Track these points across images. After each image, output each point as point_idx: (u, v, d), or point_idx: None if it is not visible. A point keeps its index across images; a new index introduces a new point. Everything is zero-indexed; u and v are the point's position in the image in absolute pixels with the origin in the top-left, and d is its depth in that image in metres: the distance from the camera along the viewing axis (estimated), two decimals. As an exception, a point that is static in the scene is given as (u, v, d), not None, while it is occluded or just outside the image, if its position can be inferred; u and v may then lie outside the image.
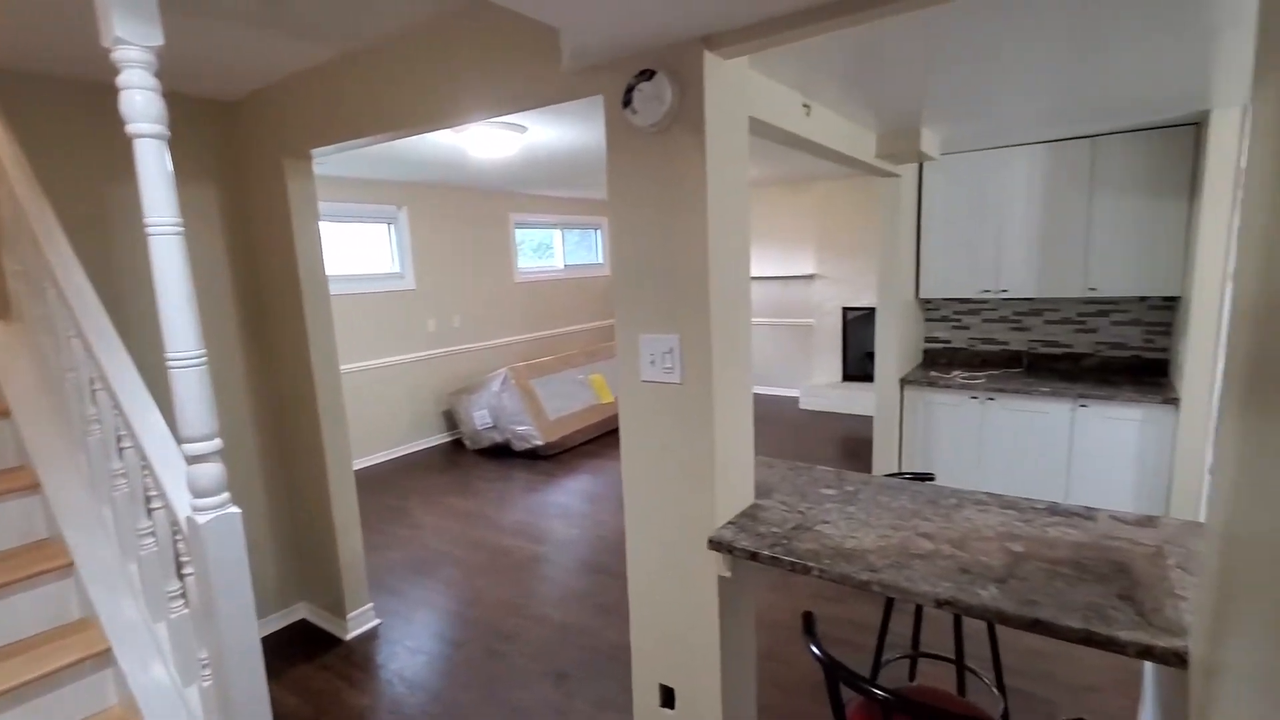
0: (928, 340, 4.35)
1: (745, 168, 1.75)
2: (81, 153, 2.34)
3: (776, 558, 1.57)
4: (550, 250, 7.41)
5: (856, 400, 6.47)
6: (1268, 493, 0.83)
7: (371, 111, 2.22)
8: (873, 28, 1.82)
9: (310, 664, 2.71)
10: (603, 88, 1.68)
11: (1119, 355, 3.74)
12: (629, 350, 1.77)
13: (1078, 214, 3.50)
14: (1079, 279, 3.54)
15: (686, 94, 1.54)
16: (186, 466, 1.50)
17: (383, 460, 5.55)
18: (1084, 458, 3.36)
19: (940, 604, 1.36)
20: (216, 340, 2.71)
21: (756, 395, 7.48)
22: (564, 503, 4.43)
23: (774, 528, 1.72)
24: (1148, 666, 1.87)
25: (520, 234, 6.92)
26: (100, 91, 2.36)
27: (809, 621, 1.43)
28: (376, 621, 3.00)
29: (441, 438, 6.06)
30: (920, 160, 3.35)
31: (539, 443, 5.30)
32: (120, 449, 1.79)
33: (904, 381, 3.81)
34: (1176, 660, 1.15)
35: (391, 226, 5.60)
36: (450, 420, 6.12)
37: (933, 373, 3.91)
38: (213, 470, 1.50)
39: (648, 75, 1.54)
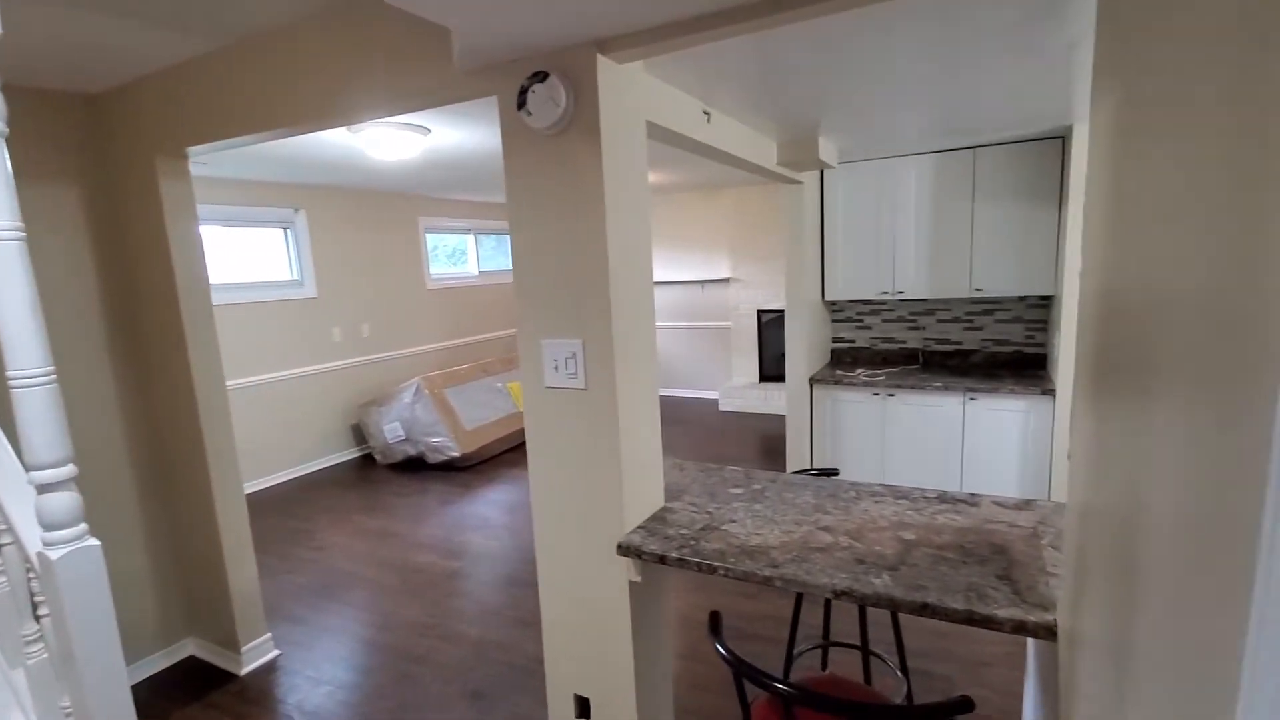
0: (834, 340, 4.54)
1: (644, 172, 1.76)
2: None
3: (684, 559, 1.58)
4: (464, 256, 7.23)
5: (773, 400, 6.66)
6: (1107, 471, 0.90)
7: (253, 109, 2.09)
8: (766, 38, 1.88)
9: (198, 704, 2.50)
10: (497, 89, 1.65)
11: (1003, 351, 4.03)
12: (532, 356, 1.74)
13: (962, 220, 3.76)
14: (965, 280, 3.80)
15: (581, 97, 1.53)
16: (35, 496, 1.35)
17: (286, 479, 5.22)
18: (975, 447, 3.60)
19: (838, 595, 1.41)
20: (81, 356, 2.47)
21: (677, 399, 7.57)
22: (482, 514, 4.32)
23: (682, 530, 1.73)
24: (1029, 641, 2.02)
25: (433, 239, 6.71)
26: (-70, 80, 2.10)
27: (715, 621, 1.44)
28: (275, 653, 2.81)
29: (351, 453, 5.78)
30: (820, 168, 3.49)
31: (455, 454, 5.14)
32: (-45, 481, 1.58)
33: (813, 380, 3.95)
34: (1047, 633, 1.24)
35: (288, 231, 5.29)
36: (360, 434, 5.84)
37: (839, 371, 4.08)
38: (66, 500, 1.36)
39: (541, 77, 1.52)
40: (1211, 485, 0.51)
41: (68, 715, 1.42)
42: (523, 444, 5.94)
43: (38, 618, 1.47)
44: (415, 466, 5.42)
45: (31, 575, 1.44)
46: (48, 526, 1.33)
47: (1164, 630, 0.62)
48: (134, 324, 2.61)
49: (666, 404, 7.34)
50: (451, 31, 1.63)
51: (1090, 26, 1.96)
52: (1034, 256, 3.63)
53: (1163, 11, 0.67)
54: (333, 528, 4.20)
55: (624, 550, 1.66)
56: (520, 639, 2.84)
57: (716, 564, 1.54)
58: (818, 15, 1.33)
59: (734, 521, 1.77)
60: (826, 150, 3.26)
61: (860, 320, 4.40)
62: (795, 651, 2.43)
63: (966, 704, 1.14)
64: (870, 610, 2.78)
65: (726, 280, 7.09)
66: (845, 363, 4.43)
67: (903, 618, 2.79)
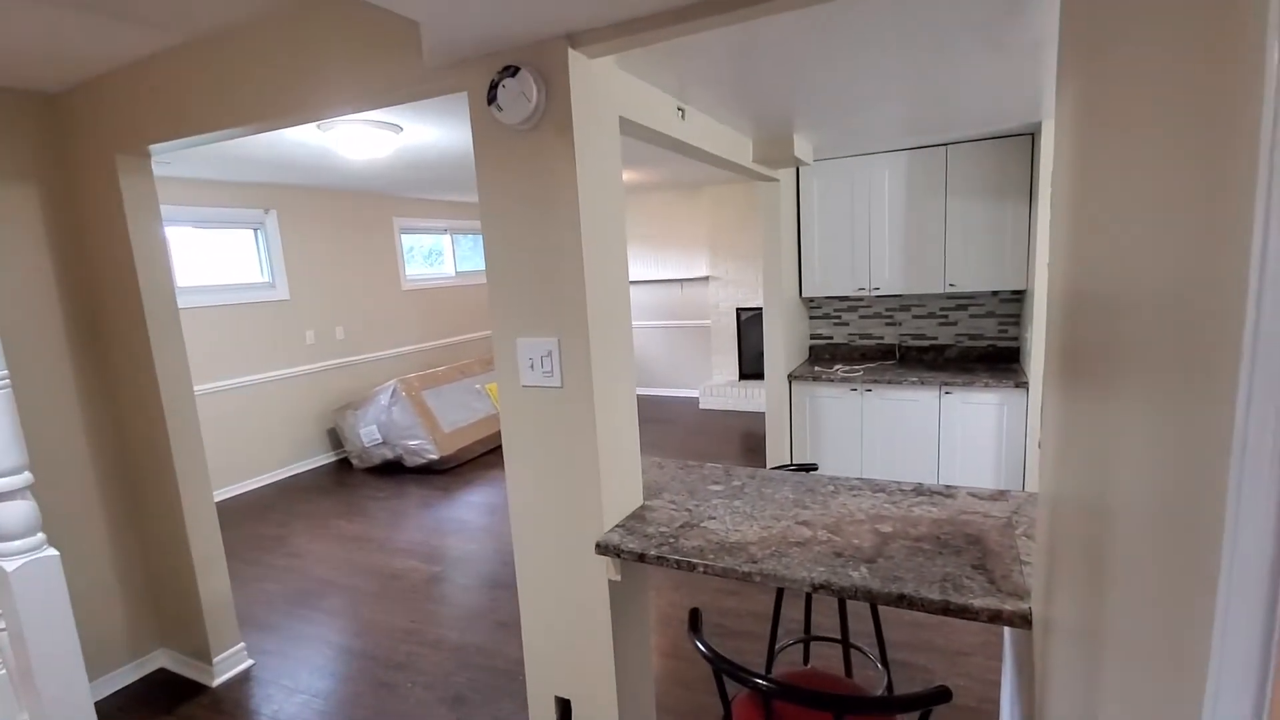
0: (813, 337, 4.57)
1: (618, 167, 1.74)
2: None
3: (663, 557, 1.57)
4: (441, 256, 7.15)
5: (753, 398, 6.69)
6: (1074, 460, 0.91)
7: (217, 105, 2.04)
8: (739, 34, 1.87)
9: (170, 717, 2.44)
10: (467, 84, 1.62)
11: (977, 345, 4.09)
12: (507, 355, 1.71)
13: (935, 216, 3.80)
14: (939, 276, 3.84)
15: (553, 92, 1.52)
16: (-14, 508, 1.30)
17: (260, 485, 5.12)
18: (951, 440, 3.64)
19: (817, 588, 1.41)
20: (41, 362, 2.39)
21: (657, 398, 7.57)
22: (461, 517, 4.27)
23: (662, 527, 1.72)
24: (1006, 630, 2.04)
25: (409, 240, 6.63)
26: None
27: (695, 618, 1.43)
28: (249, 663, 2.75)
29: (327, 457, 5.68)
30: (795, 165, 3.51)
31: (434, 456, 5.09)
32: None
33: (791, 377, 3.97)
34: (1022, 622, 1.25)
35: (259, 232, 5.19)
36: (335, 438, 5.75)
37: (817, 368, 4.11)
38: (22, 509, 1.31)
39: (512, 72, 1.50)
40: (1175, 473, 0.52)
41: (27, 733, 1.37)
42: (502, 445, 5.88)
43: (-7, 632, 1.41)
44: (393, 470, 5.35)
45: (-15, 589, 1.38)
46: (2, 537, 1.29)
47: (1132, 616, 0.62)
48: (97, 329, 2.54)
49: (647, 403, 7.34)
50: (420, 25, 1.60)
51: (1055, 25, 1.99)
52: (1006, 252, 3.69)
53: (1123, 6, 0.67)
54: (308, 534, 4.13)
55: (603, 549, 1.65)
56: (502, 642, 2.81)
57: (696, 561, 1.53)
58: (786, 9, 1.33)
59: (714, 518, 1.77)
60: (801, 147, 3.27)
61: (838, 317, 4.44)
62: (777, 647, 2.44)
63: (944, 694, 1.14)
64: (850, 604, 2.80)
65: (705, 279, 7.10)
66: (824, 359, 4.46)
67: (882, 610, 2.82)
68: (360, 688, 2.56)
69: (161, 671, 2.73)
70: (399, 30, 1.70)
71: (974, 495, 1.84)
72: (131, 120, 2.22)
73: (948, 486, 1.91)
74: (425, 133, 3.42)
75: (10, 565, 1.28)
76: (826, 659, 2.58)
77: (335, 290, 5.75)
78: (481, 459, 5.56)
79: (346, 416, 5.36)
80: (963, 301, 4.09)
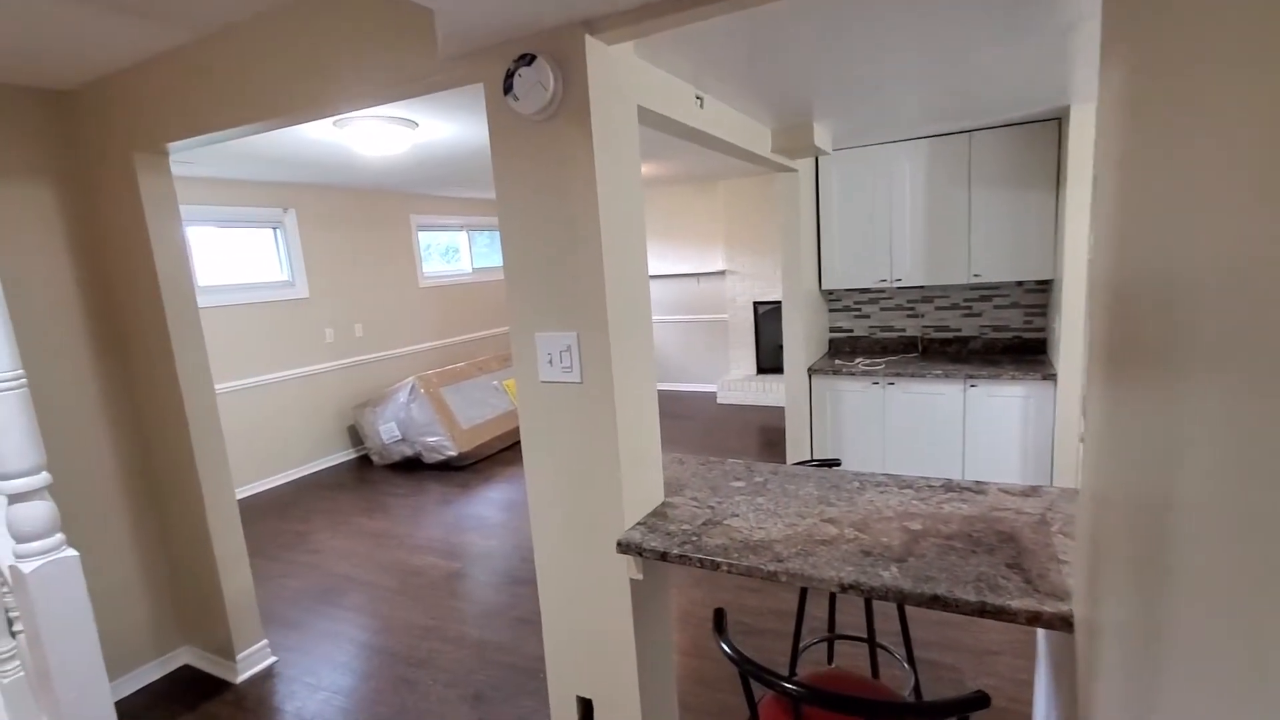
0: (832, 330, 4.50)
1: (636, 157, 1.70)
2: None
3: (685, 556, 1.53)
4: (457, 254, 7.16)
5: (771, 392, 6.62)
6: (1127, 456, 0.86)
7: (232, 101, 2.03)
8: (758, 19, 1.82)
9: (193, 714, 2.46)
10: (483, 75, 1.59)
11: (1002, 336, 3.99)
12: (525, 350, 1.68)
13: (959, 205, 3.71)
14: (963, 267, 3.75)
15: (570, 80, 1.48)
16: (6, 506, 1.29)
17: (283, 482, 5.16)
18: (976, 434, 3.56)
19: (845, 588, 1.37)
20: (63, 362, 2.40)
21: (675, 393, 7.53)
22: (480, 514, 4.27)
23: (684, 525, 1.69)
24: (1040, 630, 1.98)
25: (425, 237, 6.64)
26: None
27: (719, 619, 1.40)
28: (272, 660, 2.76)
29: (347, 454, 5.72)
30: (815, 154, 3.44)
31: (452, 453, 5.09)
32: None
33: (811, 371, 3.91)
34: (1063, 624, 1.19)
35: (278, 231, 5.22)
36: (356, 435, 5.79)
37: (837, 361, 4.04)
38: (40, 510, 1.30)
39: (528, 60, 1.46)
40: (1260, 468, 0.47)
41: (50, 733, 1.37)
42: (520, 442, 5.88)
43: (13, 634, 1.41)
44: (412, 467, 5.37)
45: (5, 589, 1.38)
46: (20, 538, 1.28)
47: (1202, 621, 0.57)
48: (118, 328, 2.55)
49: (664, 398, 7.30)
50: (435, 13, 1.57)
51: (1086, 10, 1.91)
52: (1032, 241, 3.59)
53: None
54: (330, 530, 4.15)
55: (624, 548, 1.62)
56: (522, 639, 2.79)
57: (720, 560, 1.49)
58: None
59: (736, 516, 1.73)
60: (821, 136, 3.20)
61: (858, 309, 4.36)
62: (801, 645, 2.40)
63: (982, 699, 1.10)
64: (877, 602, 2.74)
65: (722, 273, 7.04)
66: (844, 352, 4.39)
67: (909, 608, 2.76)
68: (381, 685, 2.56)
69: (186, 668, 2.75)
70: (414, 20, 1.67)
71: (1005, 491, 1.78)
72: (148, 118, 2.22)
73: (977, 482, 1.85)
74: (441, 128, 3.40)
75: (28, 566, 1.27)
76: (851, 658, 2.53)
77: (354, 288, 5.78)
78: (500, 455, 5.56)
79: (366, 414, 5.38)
80: (987, 292, 3.99)
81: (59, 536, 1.33)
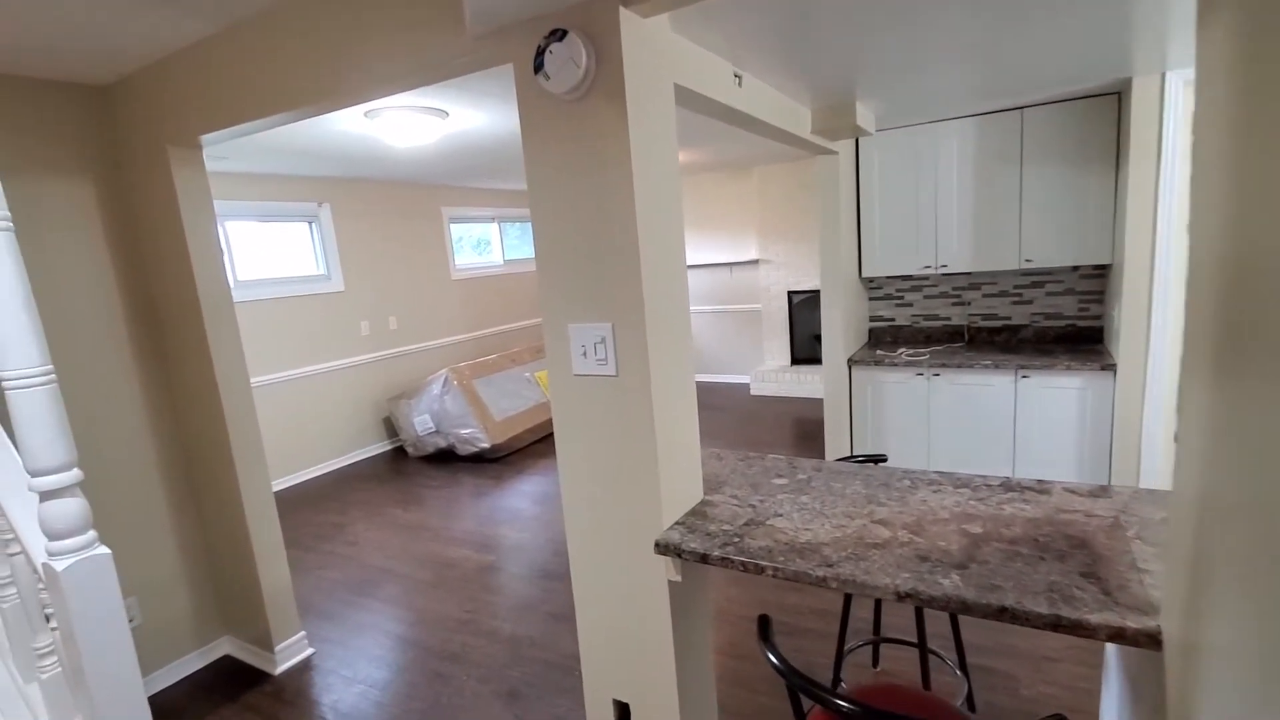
0: (872, 319, 4.34)
1: (673, 139, 1.62)
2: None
3: (727, 558, 1.45)
4: (489, 245, 7.16)
5: (806, 383, 6.48)
6: (1247, 458, 0.75)
7: (262, 91, 2.00)
8: (801, -13, 1.71)
9: (235, 705, 2.48)
10: (512, 54, 1.52)
11: (1055, 325, 3.80)
12: (557, 342, 1.62)
13: (1009, 187, 3.52)
14: (1013, 251, 3.57)
15: (603, 57, 1.40)
16: (38, 504, 1.28)
17: (321, 474, 5.24)
18: (1028, 428, 3.39)
19: (901, 597, 1.27)
20: (104, 355, 2.43)
21: (708, 384, 7.43)
22: (513, 507, 4.25)
23: (725, 525, 1.60)
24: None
25: (457, 229, 6.65)
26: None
27: (764, 626, 1.32)
28: (309, 651, 2.77)
29: (383, 446, 5.77)
30: (856, 135, 3.30)
31: (485, 445, 5.09)
32: (-35, 487, 1.53)
33: (851, 362, 3.77)
34: (1150, 642, 1.08)
35: (313, 225, 5.26)
36: (391, 427, 5.84)
37: (879, 351, 3.89)
38: (71, 507, 1.29)
39: (559, 35, 1.39)
40: None
41: (86, 730, 1.36)
42: (552, 434, 5.87)
43: (52, 629, 1.41)
44: (446, 458, 5.39)
45: (40, 585, 1.38)
46: (52, 535, 1.26)
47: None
48: (155, 322, 2.57)
49: (698, 390, 7.19)
50: (460, -8, 1.50)
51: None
52: (1089, 223, 3.39)
53: None
54: (366, 522, 4.18)
55: (662, 549, 1.54)
56: (556, 635, 2.75)
57: (764, 563, 1.41)
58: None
59: (780, 515, 1.64)
60: (864, 116, 3.06)
61: (900, 297, 4.20)
62: (845, 648, 2.30)
63: (1061, 724, 1.00)
64: (922, 603, 2.62)
65: (755, 262, 6.89)
66: (885, 342, 4.23)
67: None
68: (416, 678, 2.54)
69: (227, 658, 2.78)
70: (441, 3, 1.60)
71: (1071, 491, 1.66)
72: (180, 111, 2.21)
73: (1040, 481, 1.73)
74: (471, 118, 3.35)
75: (60, 564, 1.25)
76: (896, 661, 2.43)
77: (388, 281, 5.81)
78: (532, 447, 5.55)
79: (400, 406, 5.42)
80: (1039, 278, 3.79)
81: (91, 534, 1.32)
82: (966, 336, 3.97)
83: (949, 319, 4.08)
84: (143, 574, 2.54)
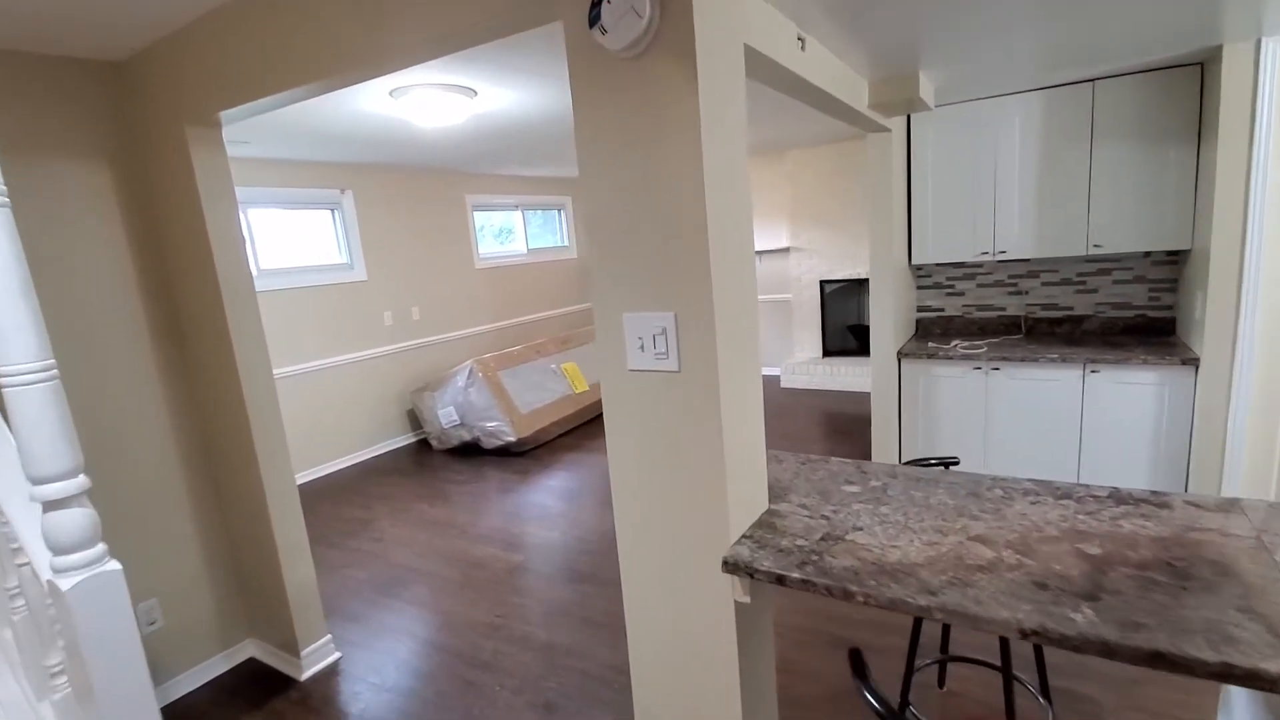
0: (919, 309, 4.11)
1: (743, 105, 1.43)
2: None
3: (809, 580, 1.28)
4: (512, 234, 7.00)
5: (838, 376, 6.26)
6: None
7: (284, 62, 1.84)
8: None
9: (259, 712, 2.36)
10: (561, 12, 1.34)
11: (1122, 315, 3.54)
12: (611, 333, 1.45)
13: (1077, 167, 3.27)
14: (1080, 236, 3.32)
15: (668, 6, 1.22)
16: (41, 515, 1.14)
17: (345, 466, 5.15)
18: (1095, 428, 3.15)
19: (1026, 634, 1.09)
20: (123, 348, 2.31)
21: (736, 376, 7.22)
22: (541, 503, 4.11)
23: (799, 540, 1.43)
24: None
25: (479, 218, 6.50)
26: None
27: (859, 663, 1.14)
28: (336, 656, 2.66)
29: (407, 438, 5.67)
30: (914, 110, 3.07)
31: (511, 439, 4.96)
32: (-33, 491, 1.41)
33: (901, 355, 3.56)
34: (1352, 701, 0.89)
35: (336, 212, 5.14)
36: (414, 419, 5.73)
37: (930, 344, 3.67)
38: (77, 518, 1.15)
39: (621, -20, 1.21)
40: None
41: (99, 756, 1.23)
42: (579, 426, 5.72)
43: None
44: (471, 451, 5.27)
45: (49, 600, 1.24)
46: (57, 550, 1.13)
47: None
48: (175, 313, 2.45)
49: (725, 382, 7.00)
50: (505, -65, 1.33)
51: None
52: (1166, 206, 3.13)
53: None
54: (391, 518, 4.07)
55: (731, 567, 1.37)
56: (592, 643, 2.60)
57: (852, 588, 1.23)
58: None
59: (860, 529, 1.46)
60: (925, 88, 2.83)
61: (951, 286, 3.96)
62: (916, 665, 2.12)
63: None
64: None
65: (786, 250, 6.66)
66: (934, 334, 4.00)
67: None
68: (446, 687, 2.41)
69: (251, 662, 2.67)
70: (479, -51, 1.43)
71: (1194, 505, 1.46)
72: (198, 87, 2.07)
73: (1154, 493, 1.53)
74: (500, 97, 3.18)
75: (66, 582, 1.12)
76: (964, 681, 2.24)
77: (411, 270, 5.69)
78: (558, 441, 5.41)
79: (425, 398, 5.30)
80: (1105, 265, 3.54)
81: (100, 547, 1.18)
82: (1024, 328, 3.73)
83: (1004, 309, 3.84)
84: (164, 575, 2.43)
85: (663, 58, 1.25)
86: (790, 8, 1.85)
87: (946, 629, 2.12)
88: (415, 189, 5.71)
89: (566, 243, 7.72)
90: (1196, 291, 3.01)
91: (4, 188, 1.08)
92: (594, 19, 1.26)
